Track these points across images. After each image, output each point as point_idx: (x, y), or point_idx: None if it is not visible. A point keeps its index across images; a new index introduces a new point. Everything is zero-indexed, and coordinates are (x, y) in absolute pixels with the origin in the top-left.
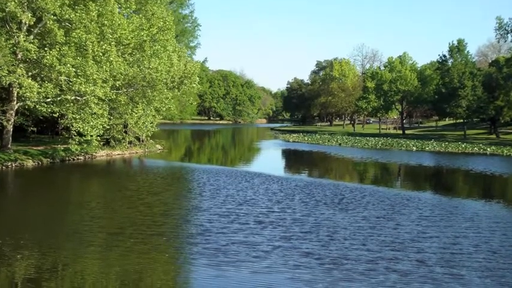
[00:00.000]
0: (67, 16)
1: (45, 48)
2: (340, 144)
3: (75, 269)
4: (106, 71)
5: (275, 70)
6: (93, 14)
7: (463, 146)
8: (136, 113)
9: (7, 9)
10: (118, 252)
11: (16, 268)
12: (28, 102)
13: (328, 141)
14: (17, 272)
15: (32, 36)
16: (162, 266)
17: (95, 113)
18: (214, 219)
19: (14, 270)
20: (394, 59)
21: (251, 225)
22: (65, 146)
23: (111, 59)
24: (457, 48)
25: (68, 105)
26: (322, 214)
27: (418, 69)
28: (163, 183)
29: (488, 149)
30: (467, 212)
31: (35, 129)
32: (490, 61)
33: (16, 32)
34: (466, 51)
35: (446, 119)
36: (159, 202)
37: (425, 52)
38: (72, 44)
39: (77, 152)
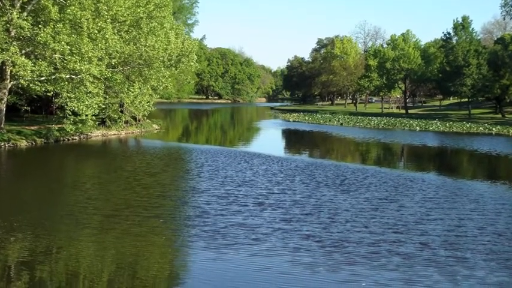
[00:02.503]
0: None
1: (39, 26)
2: (341, 124)
3: (70, 251)
4: (101, 49)
5: (275, 48)
6: None
7: (468, 125)
8: (132, 92)
9: None
10: (114, 234)
11: (9, 251)
12: (22, 81)
13: (330, 120)
14: (10, 255)
15: (25, 13)
16: (159, 249)
17: (90, 92)
18: (213, 201)
19: (7, 253)
20: (397, 37)
21: (250, 207)
22: (60, 125)
23: (107, 36)
24: (462, 26)
25: (62, 83)
26: (323, 196)
27: (422, 47)
28: (160, 164)
29: (494, 129)
30: (472, 194)
31: (28, 108)
32: (495, 39)
33: (9, 9)
34: (470, 29)
35: (451, 98)
36: (156, 183)
37: (429, 30)
38: (67, 21)
39: (71, 131)
